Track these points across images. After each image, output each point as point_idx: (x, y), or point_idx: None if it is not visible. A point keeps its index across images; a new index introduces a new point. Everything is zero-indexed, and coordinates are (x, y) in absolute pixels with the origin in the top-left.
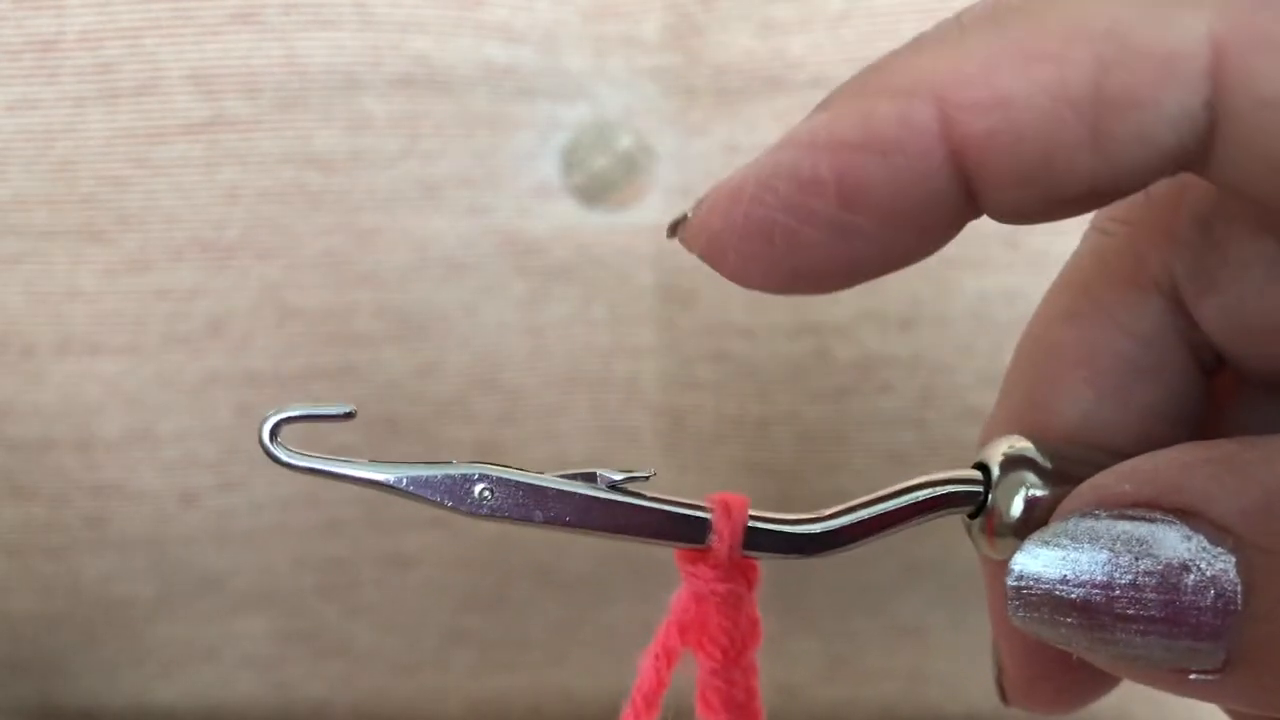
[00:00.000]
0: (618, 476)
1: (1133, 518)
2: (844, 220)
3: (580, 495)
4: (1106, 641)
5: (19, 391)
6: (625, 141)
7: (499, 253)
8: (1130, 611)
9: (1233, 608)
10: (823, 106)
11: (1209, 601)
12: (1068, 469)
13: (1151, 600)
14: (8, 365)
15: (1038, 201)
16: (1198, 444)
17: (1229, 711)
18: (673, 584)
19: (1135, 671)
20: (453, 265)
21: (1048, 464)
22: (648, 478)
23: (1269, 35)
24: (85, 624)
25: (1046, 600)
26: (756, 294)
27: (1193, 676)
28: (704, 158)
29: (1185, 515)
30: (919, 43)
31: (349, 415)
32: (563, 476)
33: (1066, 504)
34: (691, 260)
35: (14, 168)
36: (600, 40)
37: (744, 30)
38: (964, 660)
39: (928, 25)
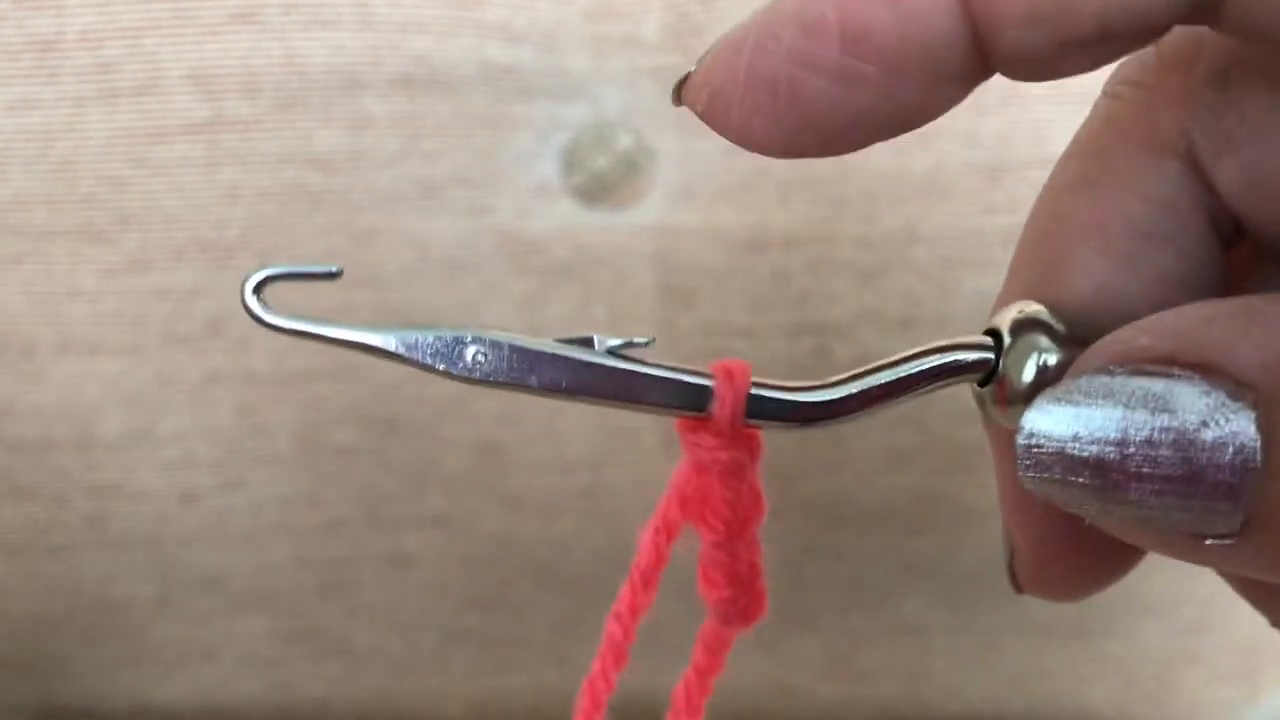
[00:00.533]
0: (616, 342)
1: (1150, 373)
2: (849, 67)
3: (577, 360)
4: (1120, 502)
5: (19, 391)
6: (625, 141)
7: (499, 253)
8: (1145, 470)
9: (1251, 464)
10: None
11: (1227, 459)
12: (1081, 334)
13: (1167, 458)
14: (8, 365)
15: (1047, 44)
16: (1218, 300)
17: (1238, 588)
18: (673, 585)
19: (1149, 536)
20: (453, 265)
21: (1061, 328)
22: (647, 344)
23: None
24: (85, 624)
25: (1058, 459)
26: (756, 294)
27: (1209, 541)
28: (704, 158)
29: (1205, 370)
30: None
31: (335, 274)
32: (560, 341)
33: (1081, 362)
34: (691, 260)
35: (14, 168)
36: (600, 40)
37: None
38: (964, 660)
39: None
